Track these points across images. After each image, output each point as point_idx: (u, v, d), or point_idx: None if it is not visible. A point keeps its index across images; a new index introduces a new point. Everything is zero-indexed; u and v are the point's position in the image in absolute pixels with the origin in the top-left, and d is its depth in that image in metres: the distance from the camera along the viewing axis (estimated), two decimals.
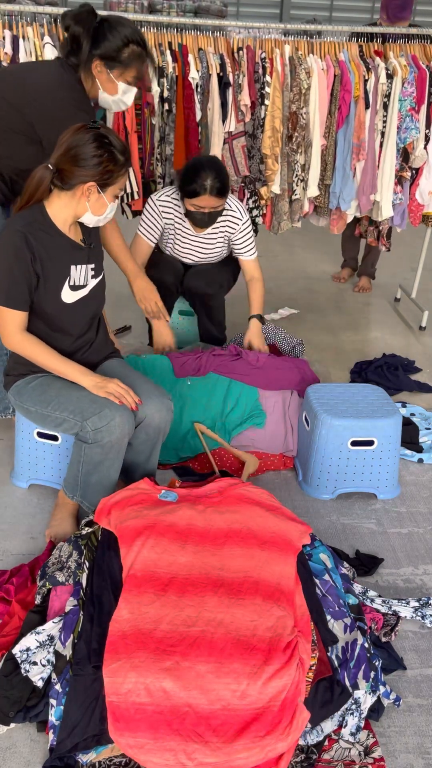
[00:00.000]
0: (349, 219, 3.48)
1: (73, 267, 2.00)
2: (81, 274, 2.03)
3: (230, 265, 2.98)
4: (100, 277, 2.13)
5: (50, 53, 2.83)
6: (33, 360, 1.98)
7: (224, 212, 2.76)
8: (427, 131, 3.29)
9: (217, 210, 2.66)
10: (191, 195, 2.59)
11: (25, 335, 1.96)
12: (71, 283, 2.00)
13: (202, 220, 2.68)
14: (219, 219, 2.76)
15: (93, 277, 2.09)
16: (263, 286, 2.91)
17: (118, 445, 1.97)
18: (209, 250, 2.87)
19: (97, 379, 1.98)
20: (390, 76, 3.14)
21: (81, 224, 2.03)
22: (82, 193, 1.89)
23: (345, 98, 3.13)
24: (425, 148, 3.31)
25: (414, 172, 3.41)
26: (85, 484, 2.02)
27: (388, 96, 3.18)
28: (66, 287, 1.99)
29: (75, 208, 1.93)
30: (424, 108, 3.24)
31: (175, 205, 2.78)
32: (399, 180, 3.36)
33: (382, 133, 3.26)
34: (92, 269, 2.08)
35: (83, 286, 2.05)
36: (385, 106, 3.20)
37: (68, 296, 2.00)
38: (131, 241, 2.85)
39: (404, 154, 3.31)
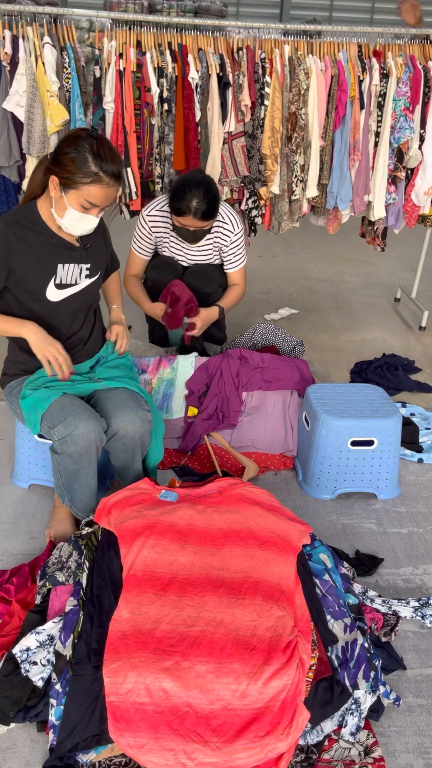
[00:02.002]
0: (344, 220, 3.48)
1: (60, 266, 1.97)
2: (70, 273, 2.00)
3: None
4: (96, 277, 2.09)
5: (49, 53, 2.84)
6: None
7: (217, 223, 2.77)
8: (422, 131, 3.30)
9: (202, 229, 2.67)
10: (176, 213, 2.60)
11: None
12: (57, 282, 1.98)
13: (187, 237, 2.70)
14: (212, 230, 2.77)
15: (87, 276, 2.06)
16: (242, 293, 2.96)
17: (87, 454, 1.92)
18: (200, 260, 2.88)
19: (41, 336, 1.92)
20: (386, 76, 3.15)
21: None
22: (50, 185, 1.87)
23: (341, 98, 3.13)
24: (420, 148, 3.32)
25: (409, 172, 3.41)
26: (69, 491, 2.00)
27: (382, 96, 3.19)
28: (51, 285, 1.97)
29: (50, 203, 1.91)
30: (418, 108, 3.24)
31: (167, 217, 2.78)
32: (393, 180, 3.36)
33: (377, 134, 3.27)
34: (87, 269, 2.05)
35: (72, 285, 2.02)
36: (380, 106, 3.21)
37: (54, 294, 1.98)
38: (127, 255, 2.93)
39: (399, 154, 3.31)
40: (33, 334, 1.93)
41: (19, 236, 1.89)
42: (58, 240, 1.97)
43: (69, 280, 2.01)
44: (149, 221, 2.80)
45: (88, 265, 2.06)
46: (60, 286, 1.99)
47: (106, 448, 2.06)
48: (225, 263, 2.90)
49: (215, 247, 2.84)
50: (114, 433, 2.01)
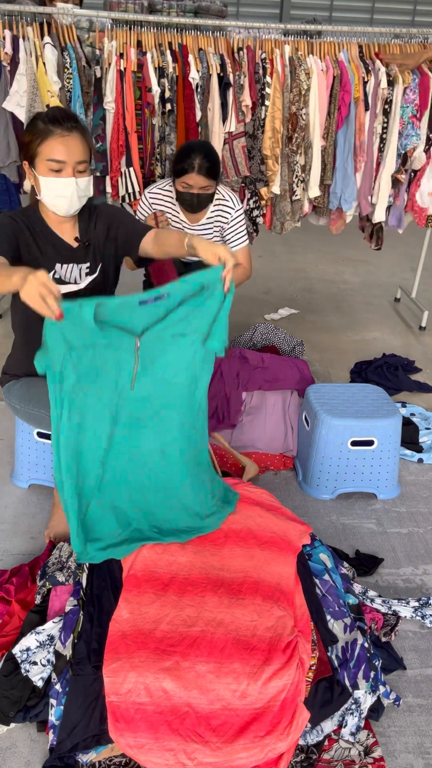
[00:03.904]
0: (348, 219, 3.47)
1: (58, 265, 1.96)
2: (69, 272, 1.99)
3: None
4: (96, 273, 2.04)
5: (50, 53, 2.83)
6: None
7: (217, 201, 2.74)
8: (430, 134, 3.28)
9: (206, 192, 2.63)
10: (180, 173, 2.59)
11: None
12: (56, 277, 1.96)
13: (191, 203, 2.65)
14: (212, 208, 2.74)
15: (87, 274, 2.02)
16: (248, 274, 2.82)
17: None
18: None
19: (25, 274, 1.46)
20: (391, 83, 3.13)
21: (80, 221, 2.01)
22: (28, 176, 1.87)
23: (344, 99, 3.12)
24: (426, 151, 3.31)
25: (412, 174, 3.40)
26: None
27: (388, 103, 3.17)
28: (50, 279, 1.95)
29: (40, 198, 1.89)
30: (426, 113, 3.22)
31: (167, 195, 2.77)
32: (394, 182, 3.35)
33: (381, 137, 3.26)
34: (86, 267, 2.02)
35: (71, 283, 1.99)
36: (386, 112, 3.20)
37: None
38: None
39: (403, 158, 3.31)
40: (16, 279, 1.48)
41: (24, 224, 1.90)
42: (57, 240, 1.95)
43: (68, 279, 2.00)
44: (150, 198, 2.77)
45: (87, 264, 2.02)
46: (59, 282, 1.97)
47: None
48: (227, 243, 2.86)
49: (216, 226, 2.82)
50: None
